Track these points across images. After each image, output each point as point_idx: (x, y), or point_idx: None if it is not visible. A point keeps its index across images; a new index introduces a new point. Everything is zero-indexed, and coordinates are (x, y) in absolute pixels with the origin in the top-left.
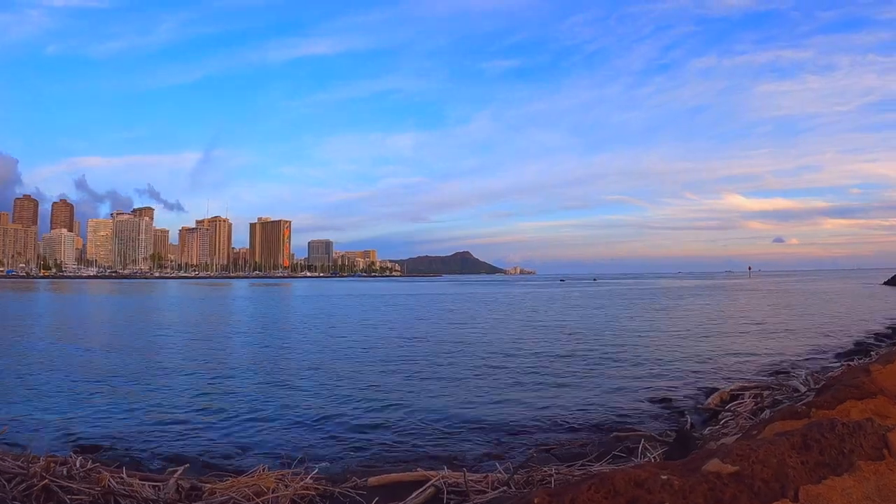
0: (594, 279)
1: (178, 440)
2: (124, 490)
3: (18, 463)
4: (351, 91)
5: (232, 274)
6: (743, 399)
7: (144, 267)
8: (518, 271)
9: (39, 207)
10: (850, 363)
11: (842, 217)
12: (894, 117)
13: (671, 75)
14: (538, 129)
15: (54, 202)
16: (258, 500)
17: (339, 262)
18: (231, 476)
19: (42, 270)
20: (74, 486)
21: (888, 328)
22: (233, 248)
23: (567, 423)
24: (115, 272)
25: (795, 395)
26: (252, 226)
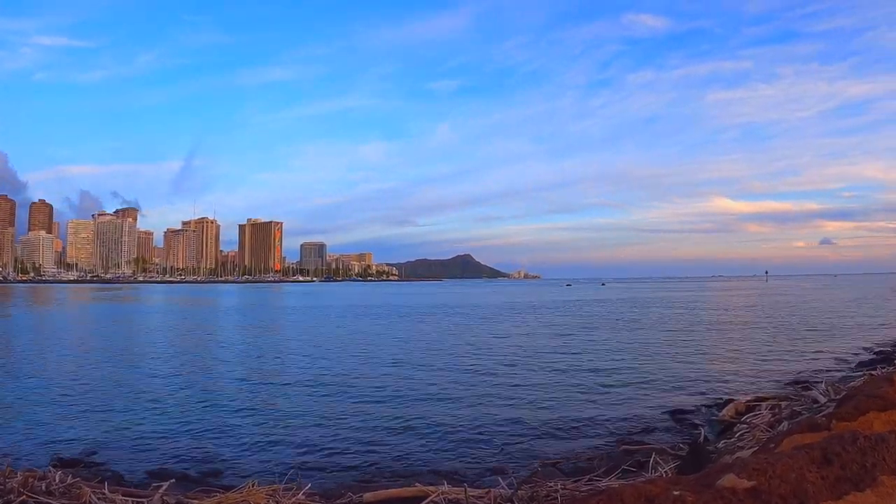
0: (602, 283)
1: (162, 454)
2: None
3: None
4: (316, 108)
5: (220, 278)
6: (759, 410)
7: (128, 271)
8: (522, 275)
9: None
10: (873, 372)
11: (841, 220)
12: (861, 121)
13: (615, 88)
14: (501, 137)
15: (32, 202)
16: None
17: (334, 266)
18: (219, 492)
19: (19, 274)
20: (54, 502)
21: None
22: (221, 251)
23: (573, 435)
24: (97, 276)
25: (815, 406)
26: (241, 227)
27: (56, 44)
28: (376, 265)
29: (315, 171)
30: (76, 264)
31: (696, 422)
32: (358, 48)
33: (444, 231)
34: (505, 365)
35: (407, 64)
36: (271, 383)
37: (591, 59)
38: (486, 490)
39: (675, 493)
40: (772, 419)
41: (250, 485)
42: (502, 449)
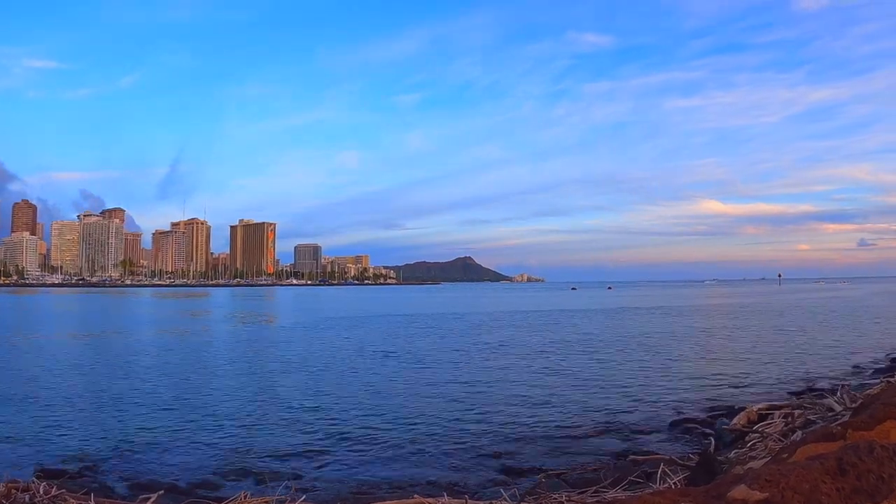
0: (609, 287)
1: (151, 465)
2: None
3: None
4: (291, 121)
5: (211, 281)
6: (772, 419)
7: (115, 274)
8: (525, 278)
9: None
10: (890, 379)
11: (839, 223)
12: (833, 125)
13: (573, 98)
14: (472, 144)
15: (15, 203)
16: None
17: (329, 269)
18: None
19: (2, 278)
20: None
21: None
22: (212, 253)
23: (579, 445)
24: (83, 280)
25: (830, 414)
26: (233, 228)
27: (46, 66)
28: (373, 268)
29: (297, 177)
30: (61, 267)
31: (706, 431)
32: (322, 69)
33: (441, 233)
34: (507, 373)
35: (369, 81)
36: (265, 394)
37: (543, 72)
38: (489, 502)
39: None
40: (785, 428)
41: (242, 496)
42: (505, 459)
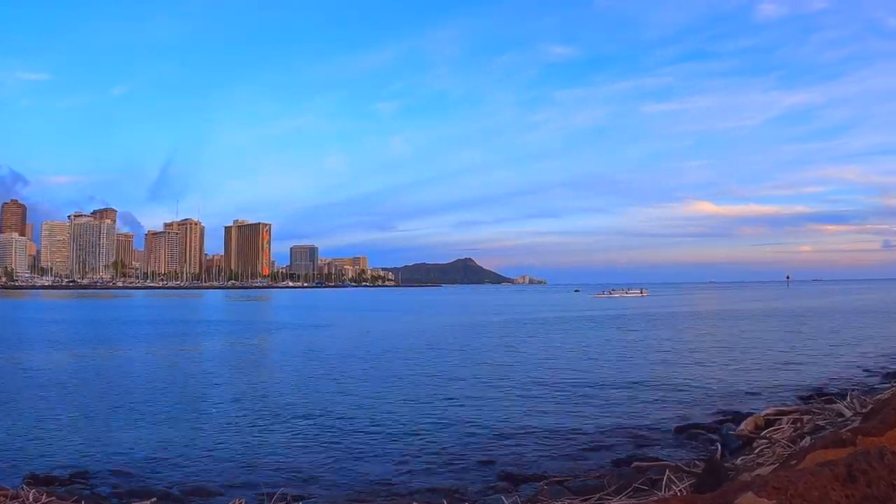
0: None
1: (144, 472)
2: None
3: None
4: (279, 125)
5: (205, 284)
6: (780, 425)
7: (106, 275)
8: (527, 280)
9: None
10: None
11: (837, 224)
12: (813, 128)
13: (549, 104)
14: (457, 148)
15: (4, 203)
16: None
17: (326, 271)
18: None
19: None
20: None
21: None
22: (205, 254)
23: (582, 452)
24: (73, 281)
25: (839, 420)
26: (227, 229)
27: (39, 79)
28: (371, 270)
29: (288, 180)
30: (51, 269)
31: (712, 437)
32: (302, 79)
33: (438, 234)
34: (511, 379)
35: (349, 90)
36: (260, 400)
37: (515, 80)
38: None
39: None
40: (793, 434)
41: (237, 503)
42: (506, 466)
